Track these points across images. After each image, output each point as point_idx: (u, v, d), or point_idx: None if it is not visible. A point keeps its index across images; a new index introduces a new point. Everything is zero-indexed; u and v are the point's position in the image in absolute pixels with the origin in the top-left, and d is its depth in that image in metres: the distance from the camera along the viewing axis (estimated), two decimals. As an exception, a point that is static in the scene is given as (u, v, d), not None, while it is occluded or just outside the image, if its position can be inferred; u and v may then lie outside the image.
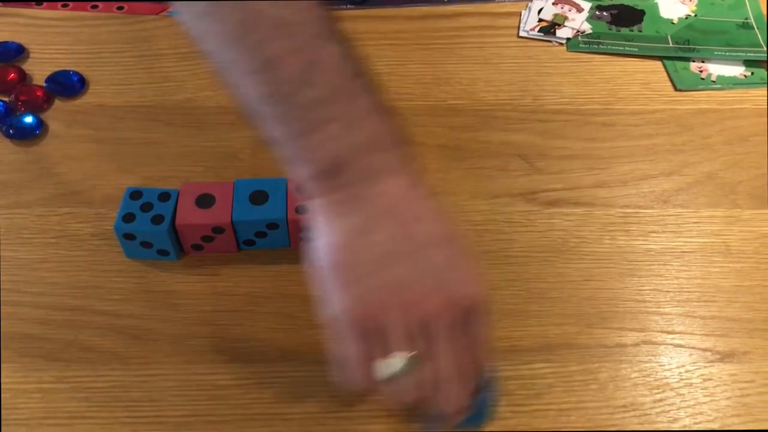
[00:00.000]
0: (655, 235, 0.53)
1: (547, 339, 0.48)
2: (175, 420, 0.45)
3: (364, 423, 0.44)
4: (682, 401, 0.46)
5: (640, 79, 0.64)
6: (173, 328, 0.48)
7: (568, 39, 0.67)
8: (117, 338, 0.48)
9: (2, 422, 0.44)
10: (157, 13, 0.69)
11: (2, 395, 0.45)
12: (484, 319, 0.37)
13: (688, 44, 0.66)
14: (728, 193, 0.56)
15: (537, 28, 0.68)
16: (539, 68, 0.65)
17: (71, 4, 0.69)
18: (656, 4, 0.70)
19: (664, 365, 0.47)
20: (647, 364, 0.47)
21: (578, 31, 0.68)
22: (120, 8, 0.69)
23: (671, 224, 0.54)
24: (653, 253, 0.52)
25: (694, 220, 0.54)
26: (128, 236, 0.49)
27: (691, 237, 0.53)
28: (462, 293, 0.36)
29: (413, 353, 0.35)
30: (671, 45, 0.66)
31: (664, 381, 0.47)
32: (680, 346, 0.48)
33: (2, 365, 0.46)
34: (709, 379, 0.47)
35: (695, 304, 0.50)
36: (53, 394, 0.45)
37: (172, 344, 0.47)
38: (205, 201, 0.50)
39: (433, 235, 0.36)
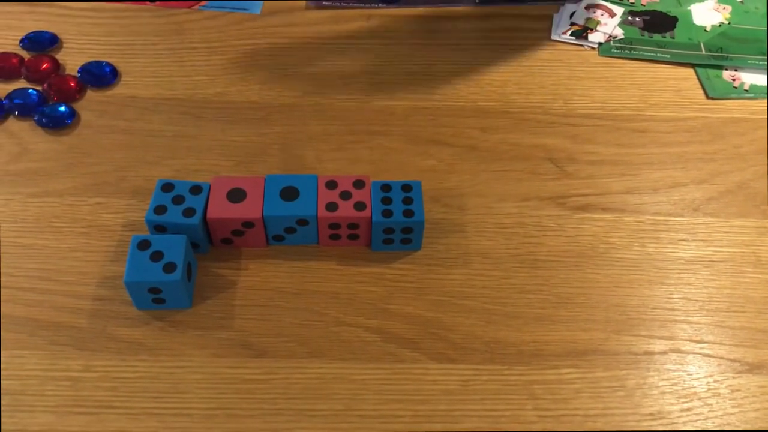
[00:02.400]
0: (684, 243, 0.53)
1: (575, 344, 0.48)
2: (201, 413, 0.45)
3: (389, 422, 0.45)
4: (710, 411, 0.45)
5: (672, 86, 0.64)
6: (201, 321, 0.48)
7: (600, 44, 0.67)
8: (145, 329, 0.48)
9: (32, 409, 0.45)
10: (189, 6, 0.69)
11: (31, 382, 0.46)
12: None
13: (721, 52, 0.66)
14: (759, 203, 0.55)
15: (569, 32, 0.68)
16: (570, 72, 0.64)
17: (104, -5, 0.69)
18: (689, 11, 0.70)
19: (692, 374, 0.47)
20: (675, 373, 0.47)
21: (610, 36, 0.67)
22: (153, 0, 0.69)
23: (701, 233, 0.54)
24: (683, 261, 0.52)
25: (725, 230, 0.54)
26: (159, 228, 0.49)
27: (721, 246, 0.53)
28: None
29: None
30: (704, 53, 0.66)
31: (692, 390, 0.46)
32: (709, 355, 0.48)
33: (32, 352, 0.47)
34: (738, 390, 0.46)
35: (724, 314, 0.50)
36: (81, 383, 0.46)
37: (200, 337, 0.48)
38: (236, 195, 0.50)
39: None
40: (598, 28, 0.68)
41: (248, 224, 0.50)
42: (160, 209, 0.49)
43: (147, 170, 0.56)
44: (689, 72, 0.65)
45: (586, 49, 0.67)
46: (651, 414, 0.45)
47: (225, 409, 0.45)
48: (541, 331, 0.48)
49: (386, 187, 0.51)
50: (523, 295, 0.50)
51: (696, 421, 0.45)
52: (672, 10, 0.70)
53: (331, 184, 0.51)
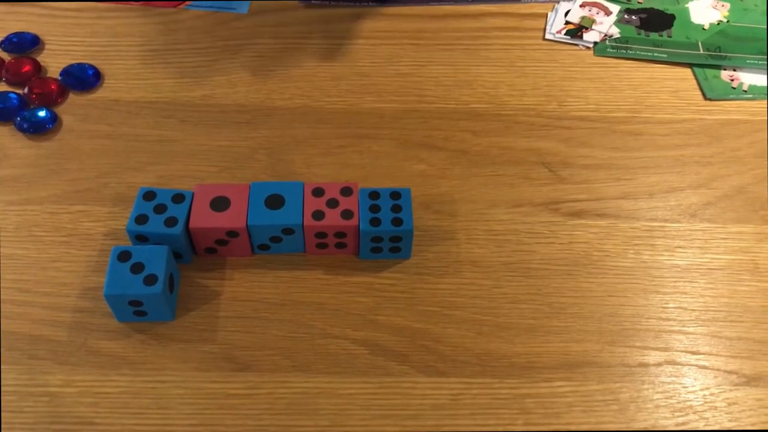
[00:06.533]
0: (681, 250, 0.52)
1: (567, 356, 0.47)
2: (184, 429, 0.44)
3: (377, 438, 0.43)
4: (705, 425, 0.44)
5: (669, 86, 0.62)
6: (184, 334, 0.47)
7: (595, 43, 0.65)
8: (127, 342, 0.47)
9: (9, 426, 0.43)
10: (175, 6, 0.67)
11: (8, 398, 0.44)
12: None
13: (720, 51, 0.64)
14: (758, 208, 0.54)
15: (563, 31, 0.66)
16: (565, 73, 0.63)
17: (88, -6, 0.68)
18: (687, 8, 0.68)
19: (687, 387, 0.46)
20: (670, 386, 0.46)
21: (606, 35, 0.66)
22: None
23: (698, 240, 0.52)
24: (679, 269, 0.51)
25: (722, 236, 0.52)
26: (141, 238, 0.48)
27: (718, 253, 0.52)
28: None
29: None
30: (702, 52, 0.65)
31: (688, 404, 0.45)
32: (705, 367, 0.47)
33: (9, 367, 0.46)
34: (735, 404, 0.45)
35: (721, 323, 0.48)
36: (61, 399, 0.44)
37: (183, 350, 0.46)
38: (219, 204, 0.49)
39: None
40: (593, 26, 0.67)
41: (232, 234, 0.48)
42: (141, 219, 0.48)
43: (130, 176, 0.55)
44: (687, 72, 0.63)
45: (581, 49, 0.65)
46: (645, 429, 0.44)
47: (208, 426, 0.44)
48: (534, 342, 0.47)
49: (374, 194, 0.49)
50: (515, 305, 0.49)
51: (692, 435, 0.44)
52: (669, 8, 0.68)
53: (318, 192, 0.49)
